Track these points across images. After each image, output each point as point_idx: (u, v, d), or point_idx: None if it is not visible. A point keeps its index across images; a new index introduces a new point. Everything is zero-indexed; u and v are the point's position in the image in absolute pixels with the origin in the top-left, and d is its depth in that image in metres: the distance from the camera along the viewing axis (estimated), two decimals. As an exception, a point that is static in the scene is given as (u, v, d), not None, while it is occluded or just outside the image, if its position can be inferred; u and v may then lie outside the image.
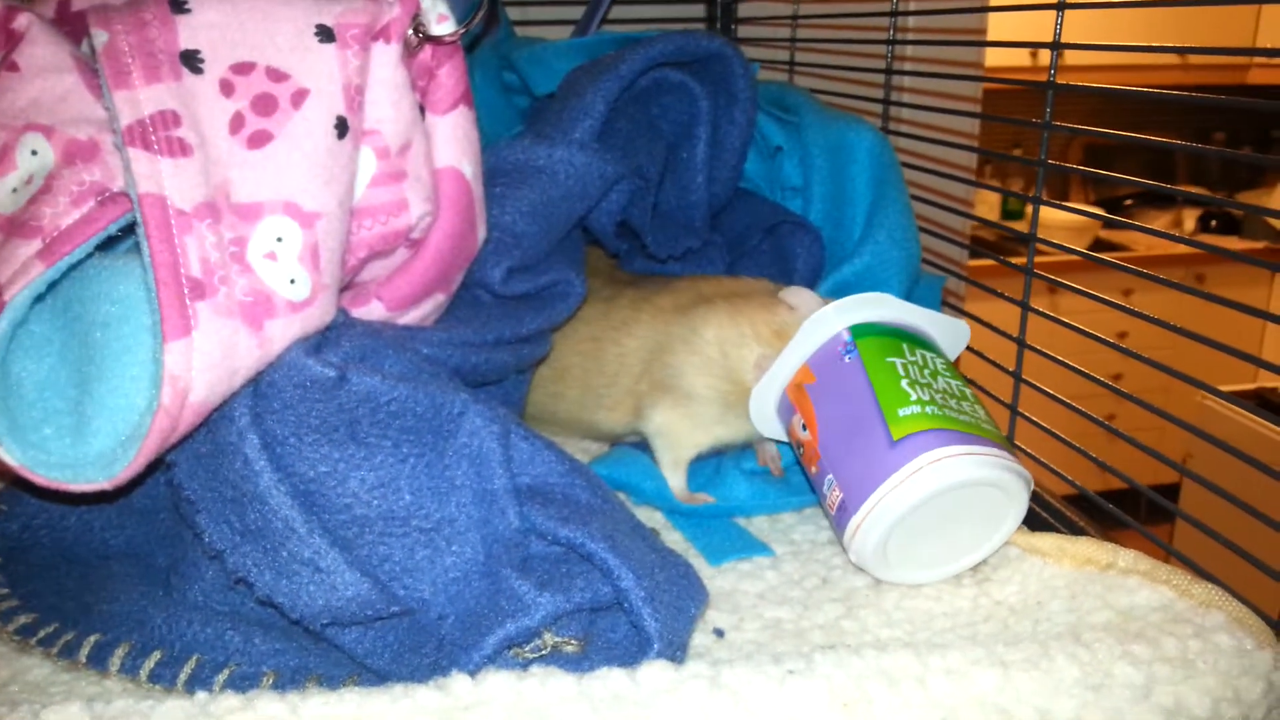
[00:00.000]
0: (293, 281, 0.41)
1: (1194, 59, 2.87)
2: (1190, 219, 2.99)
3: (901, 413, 0.49)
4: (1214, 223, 2.97)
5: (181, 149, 0.39)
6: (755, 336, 0.56)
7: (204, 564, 0.45)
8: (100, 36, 0.40)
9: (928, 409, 0.49)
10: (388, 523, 0.43)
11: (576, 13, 0.95)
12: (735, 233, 0.66)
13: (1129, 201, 3.02)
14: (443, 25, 0.47)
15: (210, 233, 0.39)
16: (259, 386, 0.41)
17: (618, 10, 0.97)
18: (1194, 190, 3.11)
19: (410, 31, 0.46)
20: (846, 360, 0.52)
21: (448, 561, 0.43)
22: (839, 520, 0.50)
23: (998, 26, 1.30)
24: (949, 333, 0.57)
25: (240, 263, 0.40)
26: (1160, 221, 2.94)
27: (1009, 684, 0.40)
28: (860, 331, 0.54)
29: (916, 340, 0.54)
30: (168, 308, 0.38)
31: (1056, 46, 0.58)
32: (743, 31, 1.02)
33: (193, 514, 0.43)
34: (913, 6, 0.84)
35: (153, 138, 0.39)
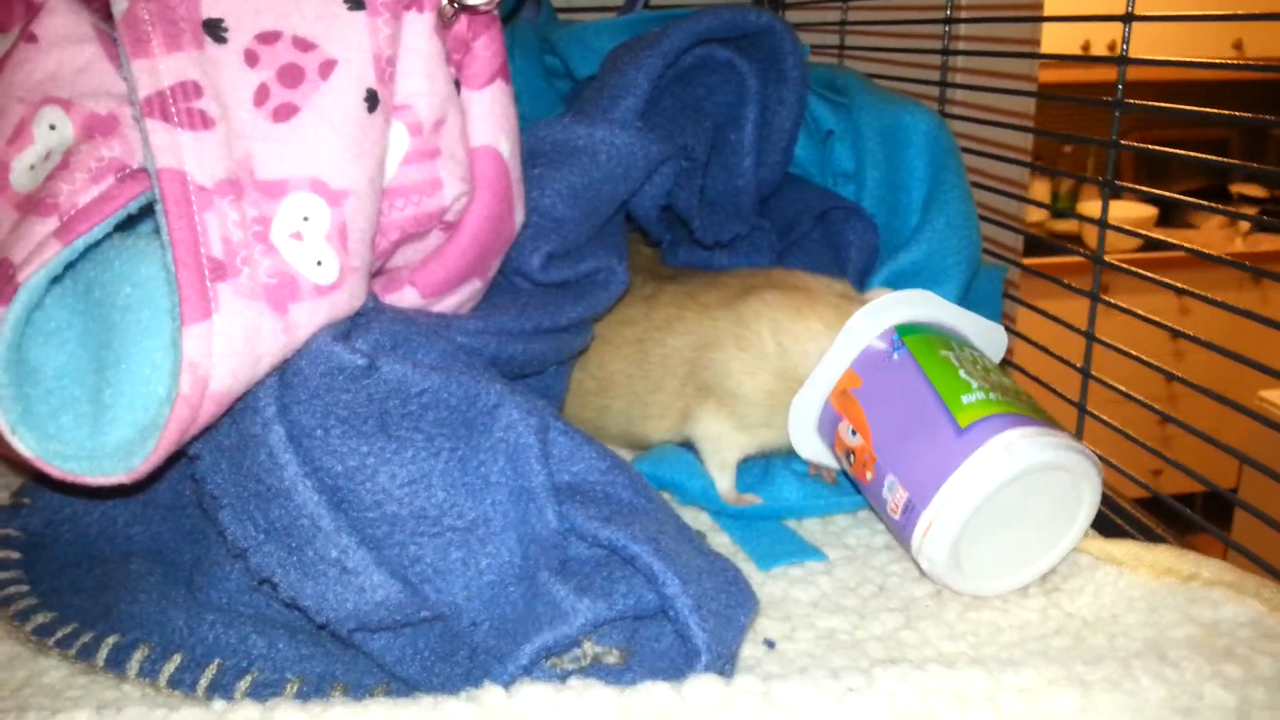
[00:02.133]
0: (319, 263, 0.38)
1: (1250, 49, 2.79)
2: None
3: (965, 400, 0.46)
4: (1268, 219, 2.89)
5: (203, 121, 0.37)
6: (826, 329, 0.52)
7: (228, 563, 0.43)
8: (120, 4, 0.38)
9: (991, 395, 0.47)
10: (419, 521, 0.40)
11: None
12: (784, 220, 0.63)
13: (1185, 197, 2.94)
14: (479, -7, 0.44)
15: (233, 210, 0.37)
16: (285, 375, 0.39)
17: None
18: (1251, 190, 3.03)
19: (444, 0, 0.43)
20: (895, 358, 0.50)
21: (482, 563, 0.41)
22: (904, 523, 0.47)
23: (1054, 4, 1.25)
24: (986, 339, 0.54)
25: (264, 242, 0.37)
26: (1216, 219, 2.86)
27: (1090, 705, 0.37)
28: (904, 330, 0.51)
29: (961, 341, 0.52)
30: (187, 289, 0.35)
31: (1130, 19, 0.55)
32: (790, 16, 0.99)
33: (216, 510, 0.40)
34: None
35: (172, 109, 0.37)
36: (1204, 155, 0.53)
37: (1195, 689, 0.38)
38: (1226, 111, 0.51)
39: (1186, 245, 0.56)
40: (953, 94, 0.77)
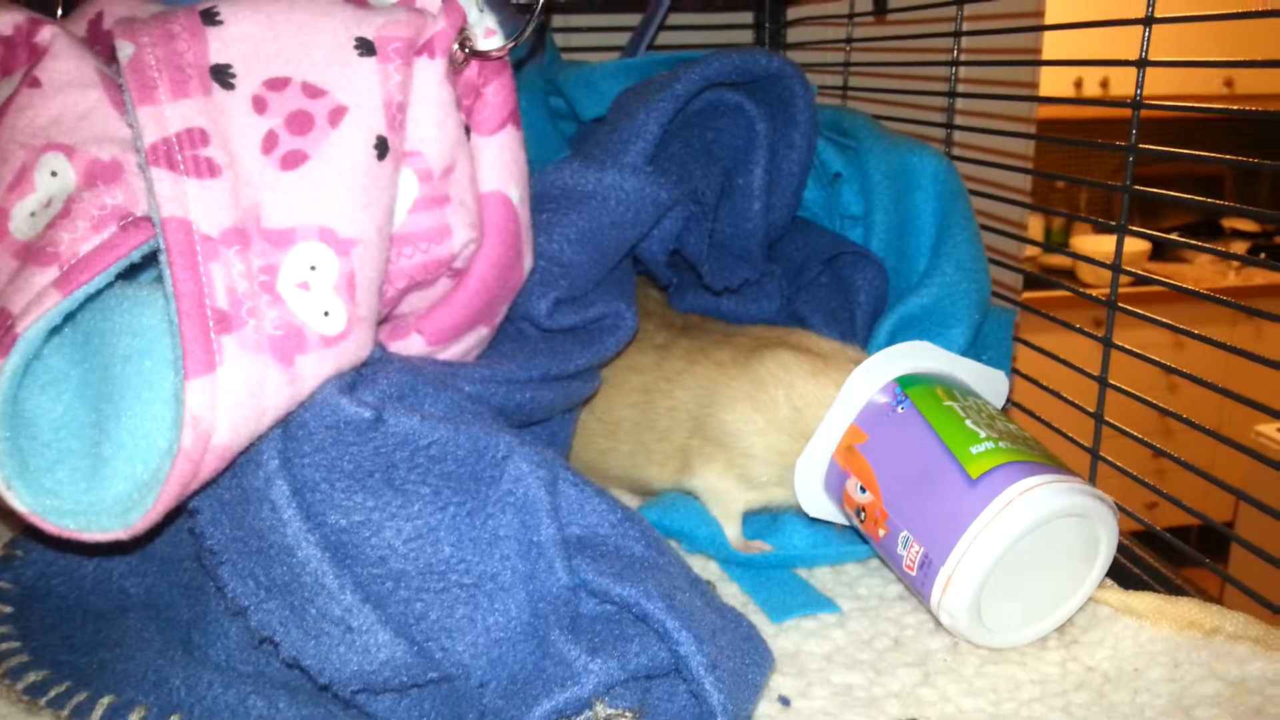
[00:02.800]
0: (326, 314, 0.38)
1: (1241, 87, 2.81)
2: (1239, 252, 2.92)
3: (974, 450, 0.46)
4: (1263, 255, 2.90)
5: (209, 169, 0.36)
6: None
7: (226, 620, 0.41)
8: (126, 49, 0.37)
9: (1001, 444, 0.46)
10: (425, 577, 0.39)
11: (621, 39, 0.93)
12: (793, 264, 0.63)
13: (1175, 234, 2.95)
14: (490, 40, 0.44)
15: (239, 260, 0.36)
16: (289, 428, 0.38)
17: (662, 36, 0.94)
18: (1244, 225, 3.04)
19: (456, 46, 0.43)
20: (900, 411, 0.49)
21: (490, 621, 0.40)
22: (922, 580, 0.46)
23: (1051, 49, 1.26)
24: (988, 385, 0.54)
25: (270, 293, 0.37)
26: (1207, 257, 2.87)
27: (1119, 770, 0.36)
28: (906, 382, 0.51)
29: (964, 389, 0.52)
30: (190, 342, 0.34)
31: (1143, 64, 0.54)
32: (793, 56, 0.99)
33: (215, 566, 0.39)
34: (977, 26, 0.80)
35: (178, 157, 0.36)
36: (1216, 200, 0.52)
37: (1226, 752, 0.37)
38: (1240, 158, 0.51)
39: (1198, 289, 0.56)
40: (959, 137, 0.77)
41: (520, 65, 0.69)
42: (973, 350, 0.61)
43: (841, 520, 0.53)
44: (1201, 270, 2.83)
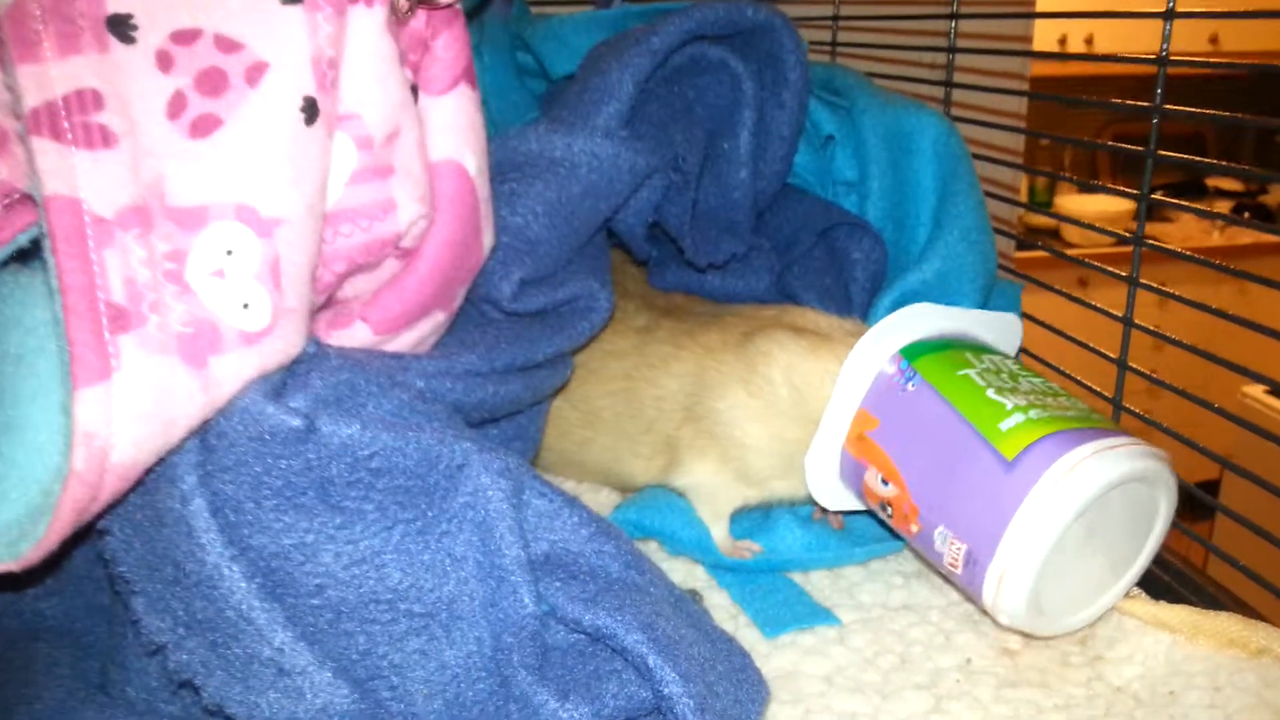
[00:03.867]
0: (246, 306, 0.32)
1: (1225, 44, 2.76)
2: (1222, 210, 2.89)
3: (1004, 426, 0.41)
4: (1246, 214, 2.87)
5: (103, 138, 0.31)
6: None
7: (146, 656, 0.36)
8: (2, -3, 0.32)
9: (1031, 413, 0.41)
10: (370, 607, 0.34)
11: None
12: (783, 236, 0.57)
13: (1159, 193, 2.91)
14: (440, -16, 0.38)
15: (139, 245, 0.30)
16: (206, 439, 0.33)
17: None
18: (1227, 184, 3.01)
19: (399, -8, 0.37)
20: (910, 388, 0.44)
21: (446, 655, 0.35)
22: (969, 578, 0.41)
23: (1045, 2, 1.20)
24: (1000, 331, 0.49)
25: (178, 283, 0.31)
26: (1192, 216, 2.84)
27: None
28: (911, 353, 0.45)
29: (976, 347, 0.46)
30: (79, 344, 0.29)
31: (1170, 16, 0.49)
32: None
33: (129, 596, 0.34)
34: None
35: (65, 124, 0.30)
36: (1238, 165, 0.48)
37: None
38: (1268, 118, 0.46)
39: (1184, 251, 0.51)
40: (962, 92, 0.72)
41: (472, 16, 0.63)
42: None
43: (863, 507, 0.48)
44: (1186, 229, 2.80)
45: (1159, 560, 0.46)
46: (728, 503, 0.49)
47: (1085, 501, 0.38)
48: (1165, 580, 0.48)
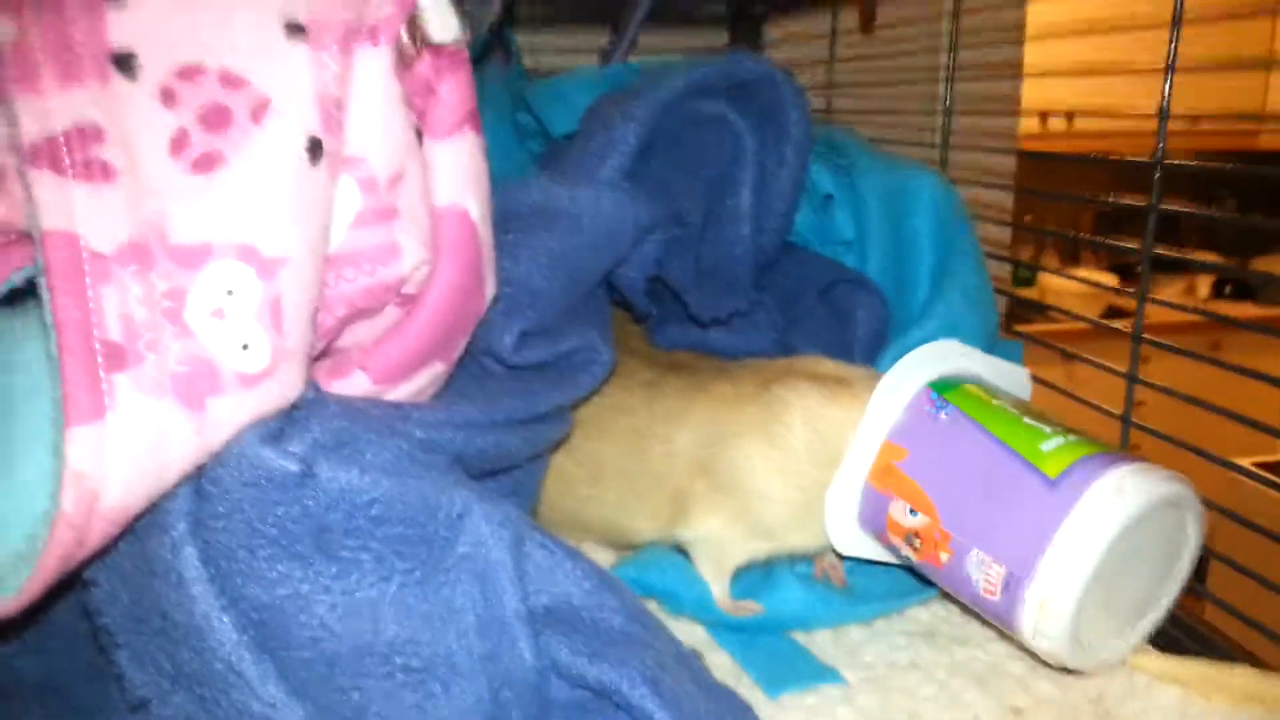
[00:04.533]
0: (245, 347, 0.31)
1: (1203, 123, 2.83)
2: (1204, 286, 2.92)
3: (1045, 448, 0.40)
4: (1228, 288, 2.90)
5: (103, 173, 0.30)
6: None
7: (130, 713, 0.34)
8: (6, 30, 0.31)
9: (1069, 437, 0.41)
10: (365, 661, 0.33)
11: (591, 61, 0.87)
12: (785, 293, 0.57)
13: (1138, 268, 2.95)
14: (446, 28, 0.38)
15: (137, 283, 0.30)
16: (200, 485, 0.32)
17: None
18: (1210, 256, 3.05)
19: (405, 36, 0.37)
20: (943, 417, 0.44)
21: (442, 711, 0.33)
22: (1007, 603, 0.40)
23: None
24: (1012, 382, 0.49)
25: (176, 322, 0.30)
26: (1173, 289, 2.87)
27: None
28: (940, 387, 0.45)
29: (995, 389, 0.47)
30: (73, 383, 0.28)
31: (1165, 116, 0.50)
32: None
33: (112, 649, 0.33)
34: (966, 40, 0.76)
35: (65, 158, 0.30)
36: (1228, 265, 0.48)
37: None
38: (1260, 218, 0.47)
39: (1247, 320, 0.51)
40: (955, 156, 0.72)
41: (478, 62, 0.63)
42: (980, 386, 0.56)
43: (881, 557, 0.47)
44: (1166, 308, 2.83)
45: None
46: (734, 558, 0.48)
47: (1132, 516, 0.38)
48: (1173, 634, 0.47)
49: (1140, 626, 0.43)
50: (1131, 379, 0.53)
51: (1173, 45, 0.49)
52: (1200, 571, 0.51)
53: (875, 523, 0.45)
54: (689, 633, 0.48)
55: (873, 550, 0.47)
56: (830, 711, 0.42)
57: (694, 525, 0.48)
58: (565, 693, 0.35)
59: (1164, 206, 0.51)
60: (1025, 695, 0.43)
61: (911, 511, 0.43)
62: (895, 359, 0.54)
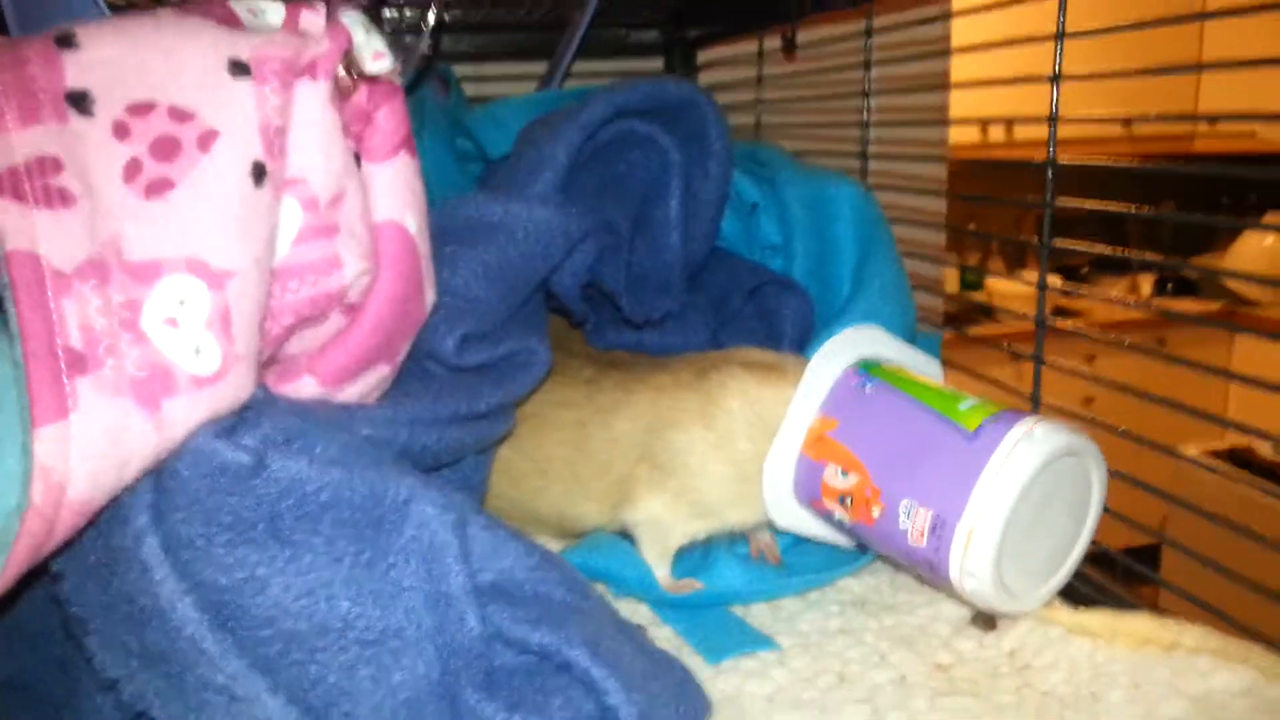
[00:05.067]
0: (198, 351, 0.34)
1: (1138, 130, 2.91)
2: (1146, 284, 2.99)
3: (962, 407, 0.45)
4: (1170, 286, 2.98)
5: (62, 199, 0.33)
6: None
7: (100, 696, 0.37)
8: (-33, 75, 0.34)
9: (983, 400, 0.45)
10: (320, 636, 0.35)
11: (532, 89, 0.91)
12: (715, 296, 0.61)
13: (1085, 269, 3.02)
14: (378, 62, 0.41)
15: (95, 295, 0.33)
16: (160, 479, 0.34)
17: (571, 85, 0.93)
18: (1152, 255, 3.13)
19: (342, 70, 0.40)
20: (869, 389, 0.48)
21: (395, 680, 0.36)
22: (934, 547, 0.43)
23: (957, 103, 1.27)
24: (927, 372, 0.53)
25: (132, 330, 0.33)
26: (1117, 288, 2.94)
27: (1083, 798, 0.33)
28: (864, 365, 0.49)
29: (913, 371, 0.50)
30: (38, 386, 0.31)
31: (1054, 121, 0.54)
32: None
33: (83, 635, 0.35)
34: (886, 56, 0.81)
35: (26, 187, 0.33)
36: (1128, 252, 0.52)
37: (1192, 770, 0.35)
38: (1149, 210, 0.51)
39: (1190, 311, 0.55)
40: (877, 165, 0.77)
41: (411, 89, 0.67)
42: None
43: (814, 531, 0.51)
44: (1111, 305, 2.90)
45: (1077, 573, 0.49)
46: (677, 538, 0.51)
47: (1045, 455, 0.41)
48: (1084, 591, 0.51)
49: (1057, 577, 0.46)
50: (1039, 360, 0.57)
51: (1058, 56, 0.53)
52: (1154, 560, 0.55)
53: (809, 489, 0.49)
54: (634, 611, 0.51)
55: (808, 524, 0.50)
56: (765, 674, 0.45)
57: (638, 508, 0.51)
58: (510, 659, 0.37)
59: (1059, 203, 0.55)
60: (948, 653, 0.47)
61: (843, 473, 0.46)
62: (821, 352, 0.58)
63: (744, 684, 0.44)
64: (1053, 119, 0.55)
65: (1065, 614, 0.47)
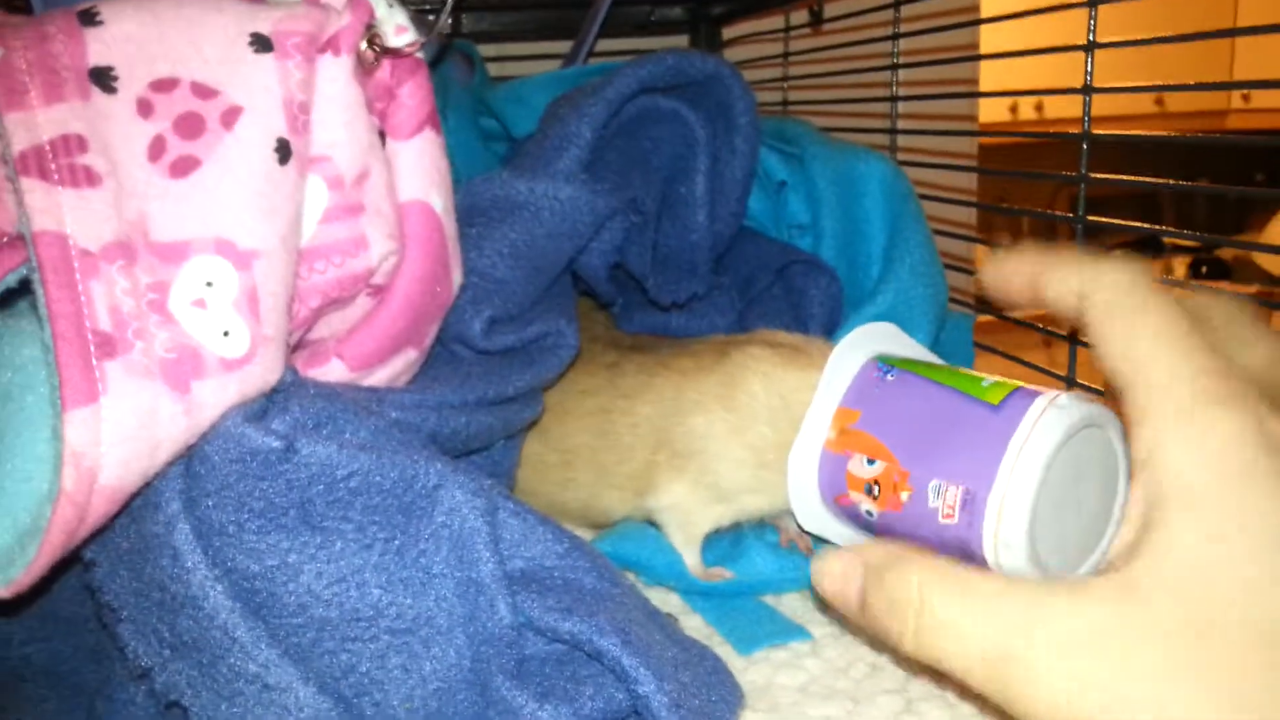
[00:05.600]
0: (226, 334, 0.34)
1: (1170, 105, 2.87)
2: (1181, 267, 2.96)
3: (985, 384, 0.43)
4: (1205, 269, 2.94)
5: (87, 178, 0.33)
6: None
7: (133, 685, 0.37)
8: (-9, 52, 0.34)
9: (1003, 379, 0.44)
10: (352, 624, 0.35)
11: (554, 65, 0.90)
12: (741, 276, 0.60)
13: (1118, 252, 2.99)
14: (401, 36, 0.40)
15: (123, 277, 0.32)
16: (190, 464, 0.34)
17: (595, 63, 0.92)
18: (1185, 240, 3.10)
19: (365, 44, 0.39)
20: (890, 379, 0.46)
21: (426, 669, 0.36)
22: (966, 523, 0.42)
23: (987, 79, 1.25)
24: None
25: (161, 312, 0.33)
26: (1152, 271, 2.91)
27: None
28: (883, 359, 0.48)
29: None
30: (68, 369, 0.30)
31: (1089, 91, 0.53)
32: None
33: (115, 623, 0.35)
34: (914, 27, 0.79)
35: (51, 166, 0.32)
36: (1159, 227, 0.51)
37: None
38: (1184, 182, 0.50)
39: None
40: (908, 141, 0.75)
41: (434, 65, 0.66)
42: (933, 354, 0.59)
43: (839, 537, 0.49)
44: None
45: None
46: (701, 524, 0.51)
47: (1071, 424, 0.40)
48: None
49: (1091, 559, 0.45)
50: (1074, 340, 0.56)
51: (1092, 22, 0.52)
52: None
53: (835, 484, 0.48)
54: (664, 600, 0.51)
55: (833, 529, 0.49)
56: (798, 664, 0.45)
57: (660, 495, 0.50)
58: (541, 647, 0.37)
59: (1093, 175, 0.54)
60: (982, 640, 0.46)
61: (869, 461, 0.45)
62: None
63: (775, 675, 0.44)
64: (1088, 89, 0.54)
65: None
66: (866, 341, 0.49)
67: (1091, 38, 0.52)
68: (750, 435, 0.49)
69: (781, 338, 0.51)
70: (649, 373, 0.51)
